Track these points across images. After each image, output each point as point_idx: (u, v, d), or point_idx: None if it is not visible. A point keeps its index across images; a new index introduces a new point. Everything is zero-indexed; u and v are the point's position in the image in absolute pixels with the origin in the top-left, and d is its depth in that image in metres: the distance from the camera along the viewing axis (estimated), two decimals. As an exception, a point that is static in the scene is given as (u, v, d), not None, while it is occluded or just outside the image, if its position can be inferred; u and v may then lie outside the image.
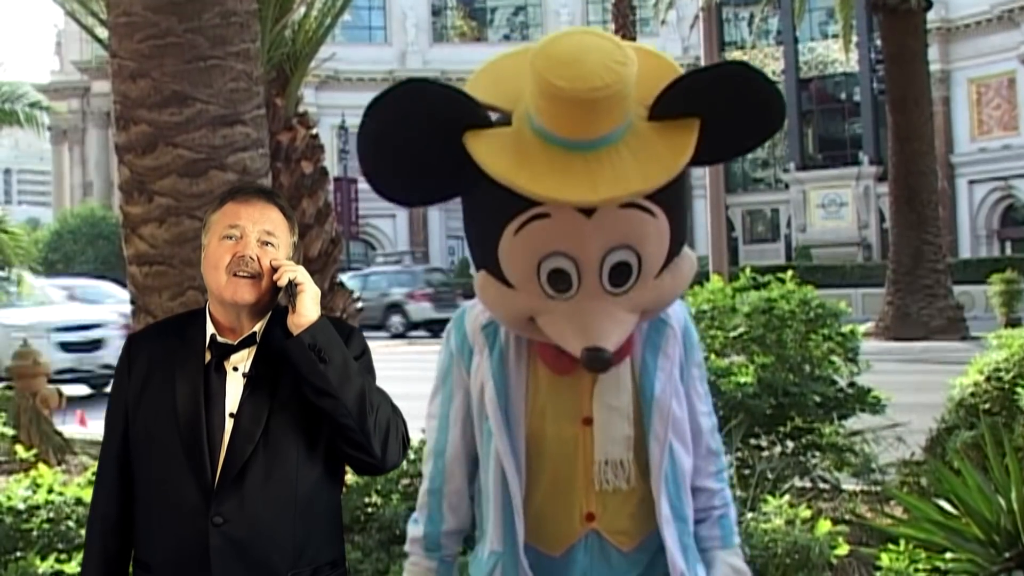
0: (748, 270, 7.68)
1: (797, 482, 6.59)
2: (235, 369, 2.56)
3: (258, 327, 2.58)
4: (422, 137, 2.11)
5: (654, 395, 2.30)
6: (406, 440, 2.64)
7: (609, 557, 2.33)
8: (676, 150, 2.11)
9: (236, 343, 2.57)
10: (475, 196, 2.22)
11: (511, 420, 2.32)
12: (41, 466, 6.25)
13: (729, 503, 2.52)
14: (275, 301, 2.58)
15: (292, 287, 2.49)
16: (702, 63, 16.67)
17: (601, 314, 2.16)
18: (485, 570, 2.38)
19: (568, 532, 2.33)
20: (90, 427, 11.31)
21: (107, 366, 14.48)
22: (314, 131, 7.62)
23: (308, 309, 2.48)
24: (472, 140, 2.10)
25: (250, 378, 2.55)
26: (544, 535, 2.34)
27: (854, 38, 33.72)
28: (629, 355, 2.32)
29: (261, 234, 2.54)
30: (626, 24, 27.02)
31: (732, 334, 7.03)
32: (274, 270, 2.52)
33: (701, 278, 5.99)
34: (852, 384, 7.03)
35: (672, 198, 2.17)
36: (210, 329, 2.59)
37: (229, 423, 2.52)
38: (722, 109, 2.11)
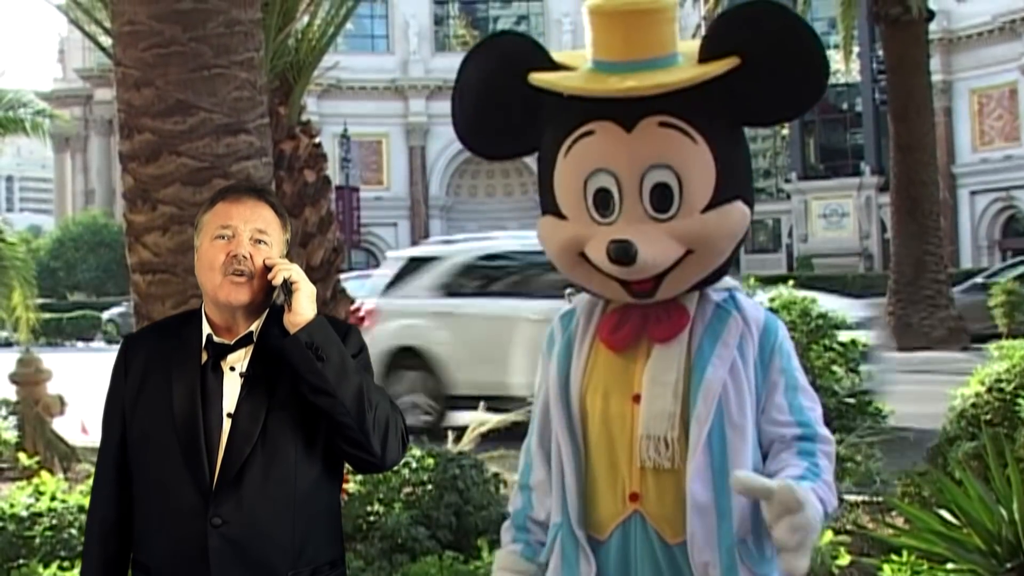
0: (752, 280, 7.68)
1: (799, 492, 6.58)
2: (232, 369, 2.55)
3: (254, 326, 2.57)
4: (494, 78, 2.35)
5: (704, 376, 2.29)
6: (405, 438, 2.63)
7: (652, 546, 2.29)
8: (712, 66, 2.24)
9: (232, 343, 2.55)
10: (542, 140, 2.39)
11: (568, 397, 2.37)
12: (44, 474, 6.26)
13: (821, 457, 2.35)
14: (270, 300, 2.57)
15: (287, 285, 2.48)
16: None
17: (641, 232, 2.23)
18: (548, 541, 2.41)
19: (613, 512, 2.33)
20: (92, 434, 11.30)
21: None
22: (317, 140, 7.64)
23: (304, 307, 2.47)
24: (534, 75, 2.31)
25: (247, 378, 2.54)
26: (592, 517, 2.35)
27: (856, 48, 33.78)
28: (685, 332, 2.33)
29: (253, 232, 2.53)
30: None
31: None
32: (268, 269, 2.50)
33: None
34: (853, 394, 7.03)
35: (718, 133, 2.28)
36: (206, 329, 2.58)
37: (227, 423, 2.51)
38: (755, 43, 2.23)
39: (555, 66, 2.33)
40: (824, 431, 2.37)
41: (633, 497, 2.31)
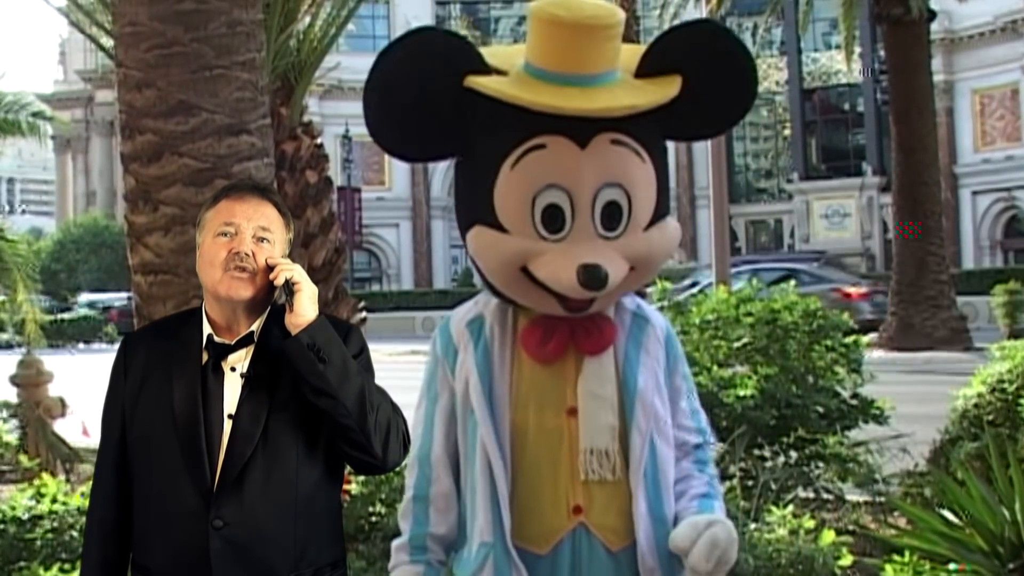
0: (755, 282, 7.67)
1: (801, 493, 6.58)
2: (233, 369, 2.54)
3: (255, 326, 2.56)
4: (425, 79, 2.22)
5: (637, 387, 2.31)
6: (407, 439, 2.61)
7: (597, 556, 2.31)
8: (663, 86, 2.26)
9: (233, 343, 2.54)
10: (474, 146, 2.30)
11: (496, 410, 2.32)
12: (45, 476, 6.25)
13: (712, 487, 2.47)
14: (271, 299, 2.57)
15: (289, 286, 2.47)
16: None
17: (594, 250, 2.21)
18: (475, 563, 2.35)
19: (555, 526, 2.32)
20: (93, 436, 11.30)
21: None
22: (318, 140, 7.64)
23: (306, 308, 2.46)
24: (472, 79, 2.22)
25: (248, 378, 2.53)
26: (530, 531, 2.32)
27: (857, 49, 33.75)
28: (613, 344, 2.34)
29: (256, 230, 2.52)
30: (630, 34, 26.95)
31: (736, 344, 7.03)
32: (270, 268, 2.50)
33: (705, 289, 6.01)
34: (855, 395, 7.03)
35: (657, 150, 2.31)
36: (207, 329, 2.56)
37: (228, 424, 2.50)
38: (697, 65, 2.26)
39: (487, 68, 2.26)
40: (707, 429, 2.50)
41: (577, 510, 2.31)
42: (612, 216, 2.24)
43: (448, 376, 2.43)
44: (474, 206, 2.32)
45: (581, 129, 2.20)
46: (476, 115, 2.25)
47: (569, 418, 2.32)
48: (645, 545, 2.29)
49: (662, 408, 2.35)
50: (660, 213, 2.32)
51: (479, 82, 2.22)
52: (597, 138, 2.21)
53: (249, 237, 2.51)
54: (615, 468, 2.30)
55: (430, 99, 2.23)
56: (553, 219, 2.23)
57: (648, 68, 2.28)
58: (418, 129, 2.29)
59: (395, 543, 2.51)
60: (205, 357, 2.55)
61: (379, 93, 2.26)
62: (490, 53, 2.31)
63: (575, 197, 2.22)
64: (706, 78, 2.27)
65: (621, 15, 2.22)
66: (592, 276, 2.17)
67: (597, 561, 2.31)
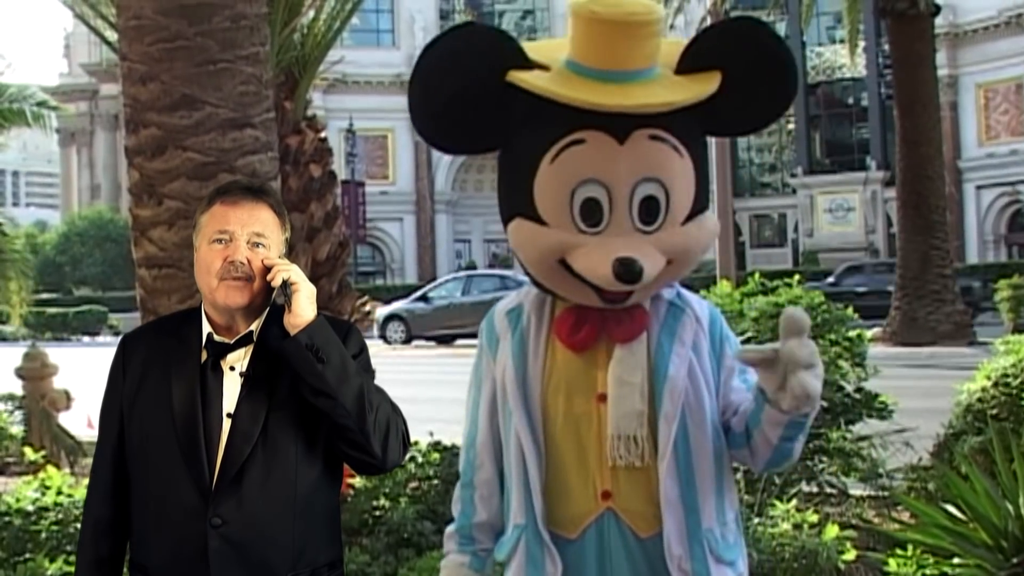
0: (757, 276, 7.67)
1: (804, 487, 6.58)
2: (232, 368, 2.54)
3: (255, 326, 2.56)
4: (468, 73, 2.25)
5: (667, 375, 2.33)
6: (406, 439, 2.62)
7: (626, 541, 2.33)
8: (702, 82, 2.28)
9: (232, 342, 2.54)
10: (514, 140, 2.34)
11: (528, 397, 2.37)
12: (50, 468, 6.27)
13: None
14: (270, 300, 2.56)
15: (286, 286, 2.47)
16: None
17: (630, 244, 2.24)
18: (509, 545, 2.40)
19: (584, 511, 2.35)
20: (97, 429, 11.30)
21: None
22: (322, 134, 7.63)
23: (304, 308, 2.46)
24: (514, 74, 2.25)
25: (247, 377, 2.53)
26: (560, 516, 2.36)
27: (861, 43, 33.73)
28: (645, 332, 2.35)
29: (251, 236, 2.52)
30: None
31: (740, 339, 7.02)
32: (267, 269, 2.50)
33: (709, 283, 6.03)
34: (859, 389, 7.02)
35: (697, 146, 2.33)
36: (206, 328, 2.57)
37: (227, 423, 2.50)
38: (737, 61, 2.29)
39: (529, 63, 2.29)
40: None
41: (605, 495, 2.34)
42: (649, 210, 2.27)
43: (491, 364, 2.47)
44: (514, 199, 2.35)
45: (620, 125, 2.23)
46: (517, 110, 2.29)
47: (599, 404, 2.34)
48: (673, 532, 2.31)
49: (698, 395, 2.36)
50: (698, 208, 2.34)
51: (520, 77, 2.25)
52: (635, 133, 2.23)
53: (244, 244, 2.51)
54: (644, 454, 2.32)
55: (472, 94, 2.27)
56: (591, 213, 2.26)
57: (688, 64, 2.31)
58: (460, 123, 2.32)
59: (447, 530, 2.57)
60: (204, 356, 2.55)
61: (422, 86, 2.30)
62: (533, 48, 2.35)
63: (613, 191, 2.24)
64: (746, 74, 2.29)
65: (660, 12, 2.24)
66: (627, 269, 2.20)
67: (626, 547, 2.34)
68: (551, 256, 2.29)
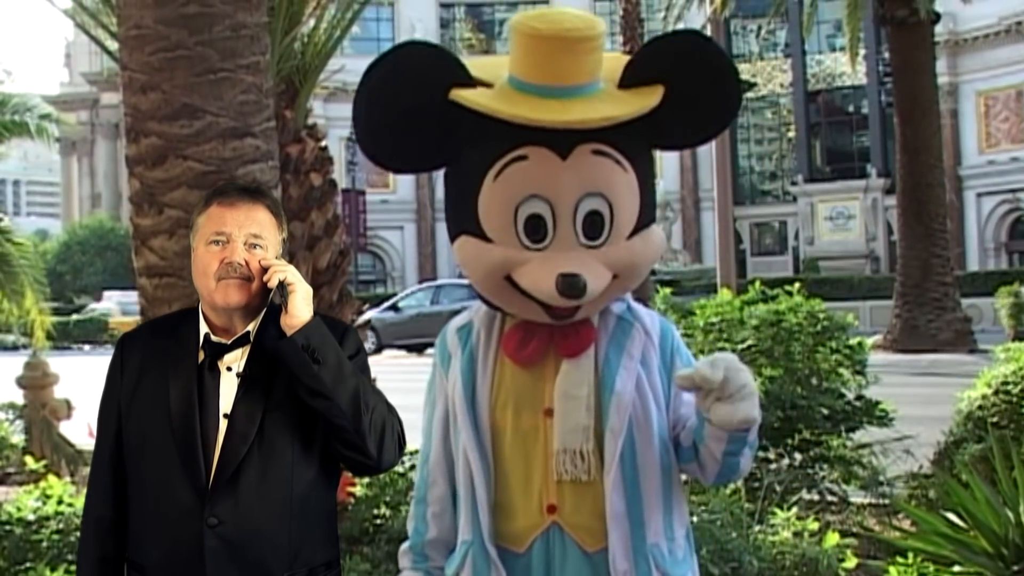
0: (758, 284, 7.68)
1: (805, 495, 6.58)
2: (229, 369, 2.55)
3: (252, 326, 2.56)
4: (412, 93, 2.25)
5: (614, 389, 2.33)
6: (402, 440, 2.63)
7: (573, 556, 2.33)
8: (645, 96, 2.29)
9: (230, 343, 2.55)
10: (458, 159, 2.35)
11: (477, 414, 2.38)
12: (51, 477, 6.27)
13: None
14: (267, 301, 2.57)
15: (283, 287, 2.48)
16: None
17: (575, 260, 2.25)
18: (456, 560, 2.40)
19: (530, 524, 2.35)
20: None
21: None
22: (323, 143, 7.63)
23: (300, 309, 2.47)
24: (457, 92, 2.25)
25: (244, 378, 2.53)
26: (508, 530, 2.37)
27: (862, 51, 33.73)
28: (592, 346, 2.36)
29: (248, 237, 2.53)
30: (634, 36, 26.92)
31: (740, 346, 7.03)
32: (264, 270, 2.51)
33: (709, 291, 6.01)
34: (860, 397, 7.03)
35: (641, 160, 2.34)
36: (203, 328, 2.58)
37: (223, 423, 2.50)
38: (680, 74, 2.29)
39: (472, 80, 2.28)
40: None
41: (551, 509, 2.35)
42: (594, 225, 2.27)
43: (444, 381, 2.48)
44: (460, 216, 2.37)
45: (562, 140, 2.23)
46: (462, 127, 2.28)
47: (546, 419, 2.35)
48: (618, 547, 2.31)
49: (646, 409, 2.36)
50: (644, 222, 2.35)
51: (462, 95, 2.25)
52: (578, 149, 2.24)
53: (241, 245, 2.52)
54: (590, 469, 2.32)
55: (415, 113, 2.27)
56: (535, 229, 2.26)
57: (632, 78, 2.31)
58: (404, 142, 2.33)
59: (402, 547, 2.56)
60: (201, 356, 2.56)
61: (365, 107, 2.30)
62: (476, 65, 2.34)
63: (556, 207, 2.25)
64: (689, 87, 2.29)
65: (601, 27, 2.25)
66: (571, 285, 2.20)
67: (571, 561, 2.34)
68: (497, 273, 2.30)
